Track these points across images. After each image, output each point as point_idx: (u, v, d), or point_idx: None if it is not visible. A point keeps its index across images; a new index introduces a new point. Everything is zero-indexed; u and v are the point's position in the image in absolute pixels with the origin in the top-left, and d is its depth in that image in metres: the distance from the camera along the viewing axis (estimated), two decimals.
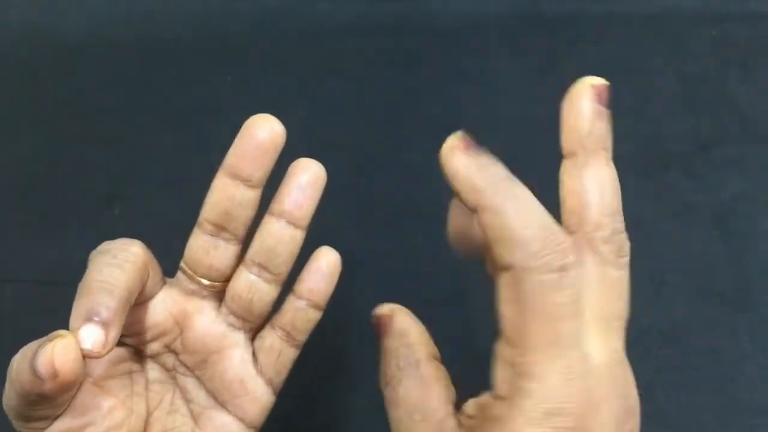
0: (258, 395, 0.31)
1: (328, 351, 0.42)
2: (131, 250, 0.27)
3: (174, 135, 0.50)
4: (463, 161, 0.24)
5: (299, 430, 0.40)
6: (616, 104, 0.55)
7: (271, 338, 0.31)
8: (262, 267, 0.30)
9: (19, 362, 0.24)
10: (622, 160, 0.48)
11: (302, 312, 0.31)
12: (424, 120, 0.50)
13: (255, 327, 0.31)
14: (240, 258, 0.31)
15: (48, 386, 0.24)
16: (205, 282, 0.30)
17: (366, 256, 0.44)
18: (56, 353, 0.24)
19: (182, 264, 0.30)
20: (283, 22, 0.56)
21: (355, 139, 0.50)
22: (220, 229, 0.29)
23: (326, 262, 0.31)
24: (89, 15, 0.57)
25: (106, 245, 0.28)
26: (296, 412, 0.40)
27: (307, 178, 0.30)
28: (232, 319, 0.31)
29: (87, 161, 0.49)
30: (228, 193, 0.29)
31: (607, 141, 0.26)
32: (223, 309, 0.31)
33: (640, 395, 0.25)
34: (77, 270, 0.28)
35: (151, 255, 0.29)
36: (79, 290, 0.26)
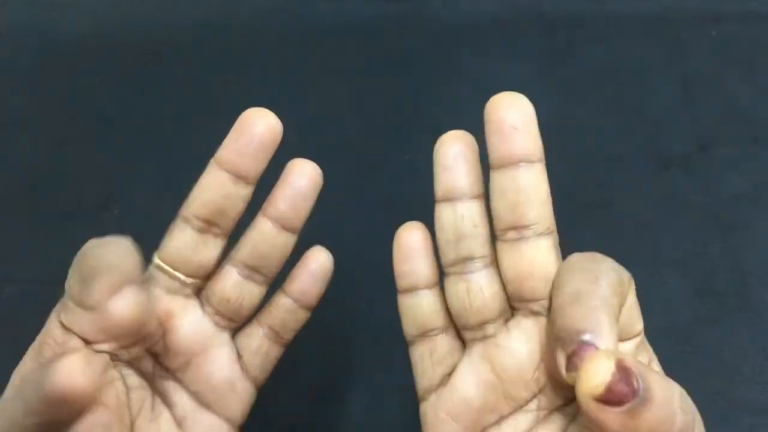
0: (245, 395, 0.30)
1: (331, 352, 0.42)
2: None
3: (174, 135, 0.50)
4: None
5: (303, 430, 0.40)
6: (617, 104, 0.55)
7: (258, 337, 0.31)
8: (253, 269, 0.29)
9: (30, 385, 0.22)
10: (622, 160, 0.48)
11: (292, 312, 0.31)
12: (424, 120, 0.50)
13: (239, 325, 0.31)
14: (224, 251, 0.30)
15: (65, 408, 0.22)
16: (189, 280, 0.29)
17: (366, 256, 0.43)
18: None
19: (159, 261, 0.29)
20: (283, 22, 0.56)
21: (355, 139, 0.50)
22: (211, 224, 0.28)
23: (318, 263, 0.31)
24: (89, 15, 0.57)
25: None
26: (302, 412, 0.40)
27: (306, 183, 0.29)
28: (218, 318, 0.29)
29: (87, 161, 0.49)
30: (224, 191, 0.28)
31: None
32: (208, 308, 0.29)
33: None
34: None
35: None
36: None
